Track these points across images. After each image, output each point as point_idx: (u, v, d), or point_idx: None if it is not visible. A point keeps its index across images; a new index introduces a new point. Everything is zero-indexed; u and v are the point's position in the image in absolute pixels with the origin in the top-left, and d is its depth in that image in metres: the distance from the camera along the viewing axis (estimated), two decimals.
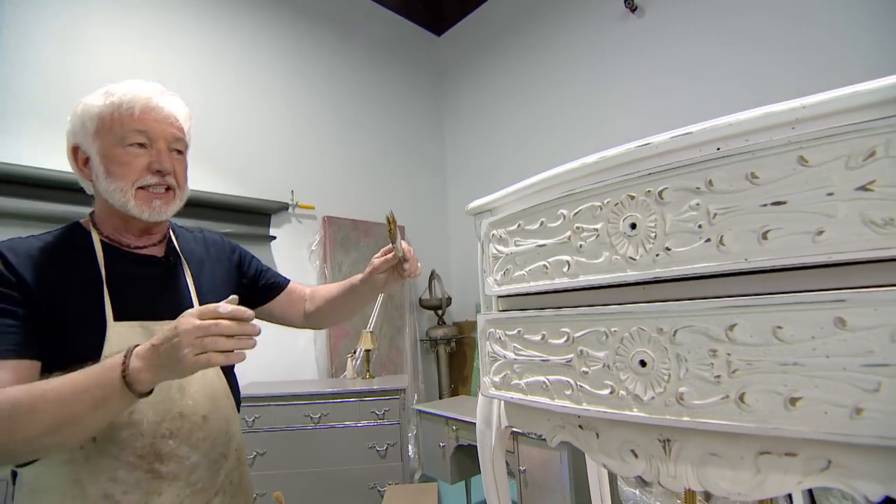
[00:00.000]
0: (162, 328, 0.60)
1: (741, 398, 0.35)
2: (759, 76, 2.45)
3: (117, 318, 0.68)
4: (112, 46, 2.46)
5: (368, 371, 2.74)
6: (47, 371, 0.63)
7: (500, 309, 0.57)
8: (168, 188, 0.73)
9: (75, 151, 0.73)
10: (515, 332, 0.50)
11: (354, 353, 2.84)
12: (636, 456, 0.43)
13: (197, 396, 0.75)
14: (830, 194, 0.34)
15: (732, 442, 0.37)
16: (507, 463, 2.23)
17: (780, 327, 0.34)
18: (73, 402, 0.55)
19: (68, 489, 0.66)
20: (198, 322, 0.54)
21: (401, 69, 4.05)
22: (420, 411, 2.39)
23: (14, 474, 0.70)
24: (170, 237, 0.82)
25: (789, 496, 1.93)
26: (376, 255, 0.81)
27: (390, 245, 0.77)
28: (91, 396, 0.55)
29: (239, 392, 0.86)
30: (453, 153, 4.32)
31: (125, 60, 2.48)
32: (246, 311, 0.57)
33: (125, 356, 0.56)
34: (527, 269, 0.50)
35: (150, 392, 0.59)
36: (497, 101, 3.94)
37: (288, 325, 0.97)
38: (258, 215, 2.72)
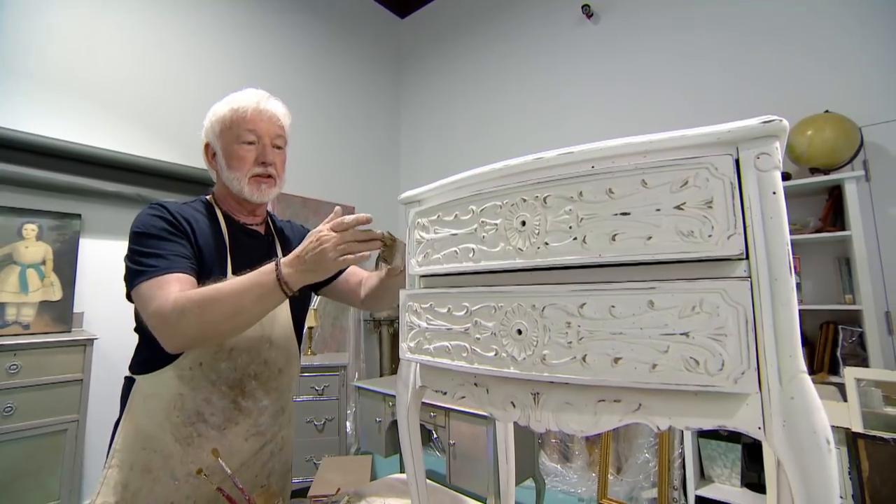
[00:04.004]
0: None
1: (584, 358, 0.46)
2: (695, 86, 2.72)
3: (234, 272, 0.86)
4: None
5: (310, 348, 2.78)
6: None
7: (421, 287, 0.67)
8: (270, 176, 0.92)
9: (207, 148, 0.93)
10: (428, 305, 0.60)
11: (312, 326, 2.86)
12: (514, 406, 0.54)
13: (279, 352, 0.93)
14: (658, 210, 0.46)
15: (580, 393, 0.49)
16: (437, 438, 2.35)
17: (613, 306, 0.45)
18: (243, 295, 0.72)
19: (172, 399, 0.82)
20: (336, 234, 0.73)
21: (360, 49, 4.00)
22: (359, 388, 2.48)
23: (130, 381, 0.85)
24: (268, 221, 1.03)
25: (682, 458, 2.19)
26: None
27: (383, 263, 0.86)
28: (255, 293, 0.73)
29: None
30: (408, 138, 4.34)
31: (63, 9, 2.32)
32: (365, 216, 0.75)
33: (276, 265, 0.75)
34: (442, 254, 0.60)
35: (296, 293, 0.76)
36: (454, 91, 4.01)
37: (349, 305, 1.14)
38: (204, 185, 2.66)
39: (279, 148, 0.94)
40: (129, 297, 0.81)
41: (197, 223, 0.87)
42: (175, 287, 0.74)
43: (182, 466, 0.80)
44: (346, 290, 1.09)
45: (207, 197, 0.97)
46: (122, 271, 0.82)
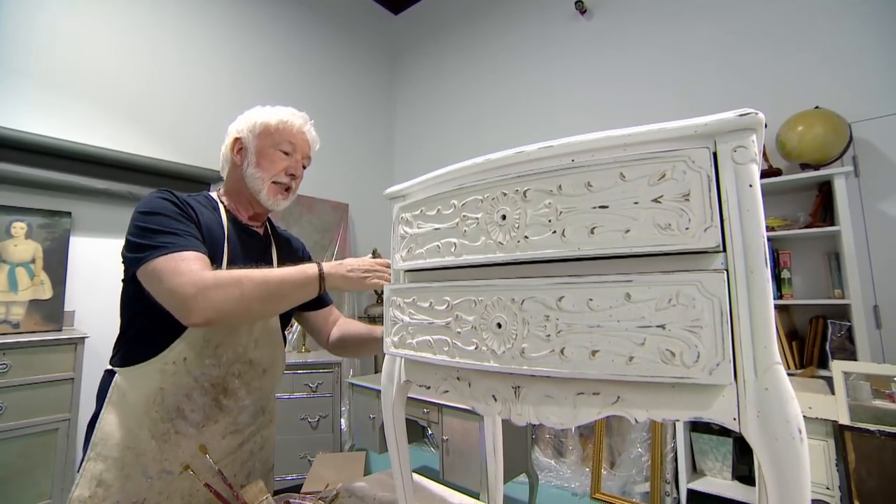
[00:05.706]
0: None
1: (562, 351, 0.46)
2: (687, 82, 2.73)
3: (228, 266, 0.87)
4: None
5: (304, 345, 2.78)
6: None
7: (405, 282, 0.67)
8: (288, 188, 0.98)
9: (236, 141, 0.96)
10: (411, 299, 0.60)
11: (291, 326, 2.85)
12: (496, 400, 0.54)
13: (264, 353, 0.94)
14: (636, 203, 0.46)
15: (559, 386, 0.49)
16: (432, 434, 2.36)
17: (591, 300, 0.46)
18: (284, 281, 0.78)
19: (153, 394, 0.81)
20: (369, 265, 0.87)
21: (354, 45, 3.98)
22: (353, 384, 2.48)
23: (110, 375, 0.85)
24: (267, 226, 1.06)
25: (675, 452, 2.20)
26: None
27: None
28: (296, 280, 0.79)
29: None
30: (402, 134, 4.33)
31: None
32: (387, 261, 0.86)
33: (317, 263, 0.84)
34: (424, 248, 0.60)
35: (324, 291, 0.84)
36: (448, 87, 4.00)
37: (316, 340, 1.15)
38: (196, 183, 2.65)
39: (304, 167, 1.02)
40: (127, 278, 0.80)
41: (201, 213, 0.88)
42: (198, 264, 0.73)
43: (155, 464, 0.80)
44: (320, 325, 1.10)
45: (213, 193, 0.99)
46: (119, 260, 0.81)
